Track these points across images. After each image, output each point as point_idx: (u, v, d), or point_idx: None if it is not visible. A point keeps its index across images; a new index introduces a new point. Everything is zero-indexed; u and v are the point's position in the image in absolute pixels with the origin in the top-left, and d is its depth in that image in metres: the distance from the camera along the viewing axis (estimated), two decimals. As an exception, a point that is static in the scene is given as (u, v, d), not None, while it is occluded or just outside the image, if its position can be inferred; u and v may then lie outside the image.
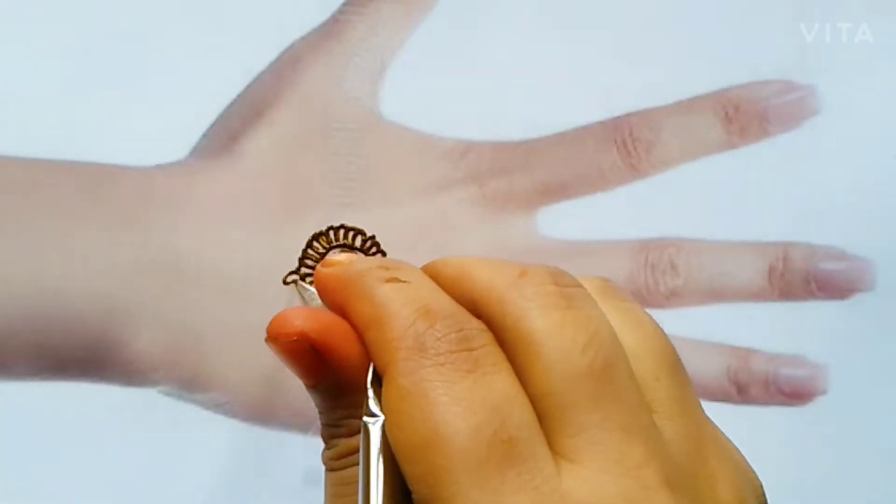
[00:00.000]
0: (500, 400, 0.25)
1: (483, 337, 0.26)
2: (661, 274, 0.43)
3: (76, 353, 0.40)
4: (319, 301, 0.34)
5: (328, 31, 0.43)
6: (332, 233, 0.38)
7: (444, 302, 0.27)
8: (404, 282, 0.28)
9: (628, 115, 0.43)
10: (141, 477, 0.40)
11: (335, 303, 0.28)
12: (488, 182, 0.43)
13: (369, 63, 0.43)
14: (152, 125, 0.42)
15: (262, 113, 0.42)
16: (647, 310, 0.43)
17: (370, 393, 0.27)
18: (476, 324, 0.26)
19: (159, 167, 0.42)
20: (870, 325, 0.43)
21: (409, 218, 0.42)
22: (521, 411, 0.25)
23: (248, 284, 0.41)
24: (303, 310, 0.29)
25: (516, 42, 0.44)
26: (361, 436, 0.26)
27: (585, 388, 0.25)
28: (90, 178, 0.41)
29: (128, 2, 0.43)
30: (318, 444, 0.42)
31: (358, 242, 0.40)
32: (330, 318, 0.28)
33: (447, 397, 0.25)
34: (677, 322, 0.43)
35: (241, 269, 0.41)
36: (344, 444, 0.28)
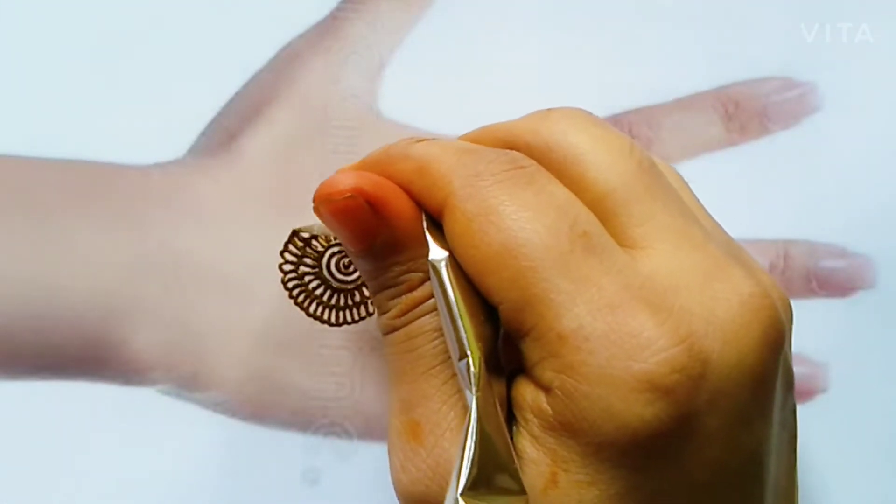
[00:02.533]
0: (565, 203, 0.26)
1: (529, 160, 0.28)
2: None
3: (74, 352, 0.40)
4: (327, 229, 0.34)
5: (326, 29, 0.43)
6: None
7: (478, 144, 0.29)
8: (433, 140, 0.29)
9: (627, 112, 0.43)
10: (139, 476, 0.40)
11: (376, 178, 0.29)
12: (487, 180, 0.43)
13: (368, 61, 0.43)
14: (150, 123, 0.42)
15: (260, 111, 0.42)
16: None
17: (428, 237, 0.28)
18: (518, 153, 0.28)
19: (157, 165, 0.42)
20: (871, 323, 0.43)
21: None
22: (586, 212, 0.27)
23: (246, 283, 0.41)
24: (351, 169, 0.30)
25: (515, 40, 0.44)
26: (432, 277, 0.27)
27: (641, 181, 0.27)
28: (87, 176, 0.41)
29: (126, 1, 0.43)
30: (317, 442, 0.42)
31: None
32: (378, 175, 0.29)
33: (515, 206, 0.26)
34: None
35: (239, 268, 0.41)
36: (407, 298, 0.29)
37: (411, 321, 0.29)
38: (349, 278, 0.39)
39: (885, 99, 0.44)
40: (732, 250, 0.28)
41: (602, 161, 0.27)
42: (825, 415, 0.42)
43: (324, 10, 0.44)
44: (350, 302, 0.39)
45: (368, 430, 0.41)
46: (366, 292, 0.39)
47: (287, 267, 0.38)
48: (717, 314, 0.25)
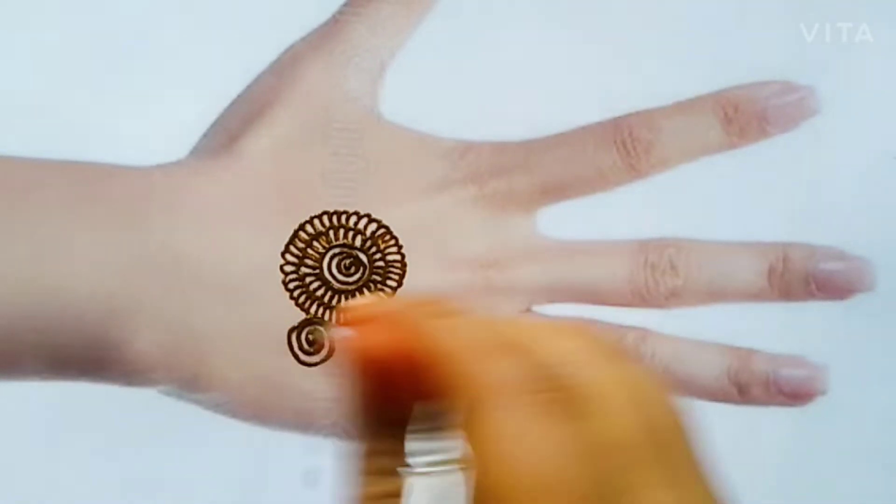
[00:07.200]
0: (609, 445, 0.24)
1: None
2: (660, 274, 0.43)
3: (75, 352, 0.40)
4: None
5: (328, 32, 0.43)
6: (331, 232, 0.38)
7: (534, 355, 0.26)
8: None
9: (628, 115, 0.43)
10: (140, 477, 0.40)
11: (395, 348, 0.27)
12: (488, 182, 0.43)
13: (369, 63, 0.43)
14: (151, 125, 0.42)
15: (261, 113, 0.42)
16: (647, 310, 0.43)
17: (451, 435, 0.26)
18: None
19: (158, 167, 0.42)
20: (870, 326, 0.43)
21: (408, 218, 0.42)
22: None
23: (247, 284, 0.41)
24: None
25: (516, 42, 0.44)
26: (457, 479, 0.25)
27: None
28: (89, 177, 0.41)
29: (128, 2, 0.43)
30: (319, 443, 0.42)
31: (358, 242, 0.41)
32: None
33: (555, 439, 0.24)
34: (677, 322, 0.43)
35: (240, 269, 0.41)
36: None
37: None
38: (350, 279, 0.39)
39: (884, 100, 0.45)
40: None
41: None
42: (825, 417, 0.42)
43: (325, 13, 0.44)
44: (351, 303, 0.39)
45: (370, 432, 0.41)
46: (367, 294, 0.39)
47: (288, 268, 0.38)
48: None
